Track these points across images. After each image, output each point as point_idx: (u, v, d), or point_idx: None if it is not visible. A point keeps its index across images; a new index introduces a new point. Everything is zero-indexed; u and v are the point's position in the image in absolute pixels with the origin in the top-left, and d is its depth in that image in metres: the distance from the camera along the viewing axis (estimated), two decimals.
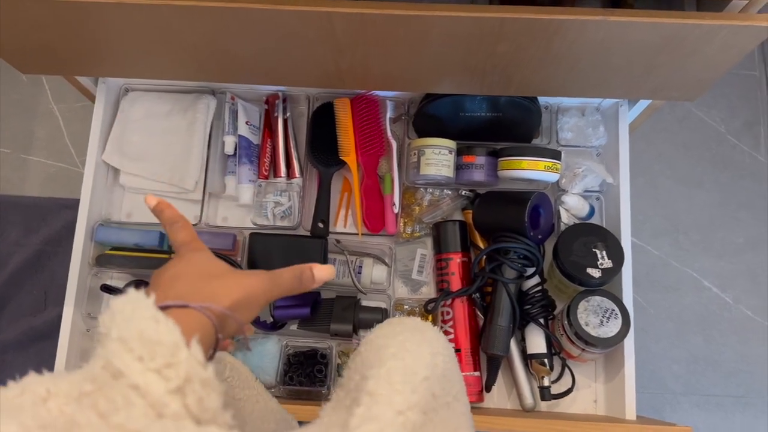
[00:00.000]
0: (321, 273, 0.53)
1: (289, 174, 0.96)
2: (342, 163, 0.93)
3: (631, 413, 0.84)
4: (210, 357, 0.44)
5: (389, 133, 0.94)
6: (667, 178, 1.20)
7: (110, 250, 0.91)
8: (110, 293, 0.91)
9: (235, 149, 0.95)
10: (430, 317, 0.90)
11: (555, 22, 0.59)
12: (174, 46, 0.70)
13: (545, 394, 0.86)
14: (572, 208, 0.91)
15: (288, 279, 0.51)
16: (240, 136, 0.95)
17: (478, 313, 0.89)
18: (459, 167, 0.92)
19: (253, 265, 0.88)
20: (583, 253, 0.84)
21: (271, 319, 0.88)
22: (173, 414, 0.32)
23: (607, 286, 0.85)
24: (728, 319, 1.13)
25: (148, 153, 0.95)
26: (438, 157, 0.90)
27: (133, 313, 0.36)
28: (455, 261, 0.89)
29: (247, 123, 0.96)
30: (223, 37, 0.66)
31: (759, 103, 1.24)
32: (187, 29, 0.66)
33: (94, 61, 0.77)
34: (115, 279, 0.94)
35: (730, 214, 1.17)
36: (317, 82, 0.79)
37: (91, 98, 0.98)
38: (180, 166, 0.94)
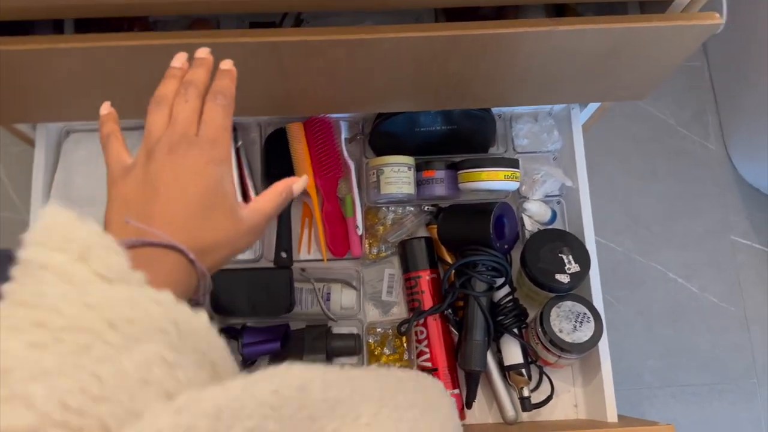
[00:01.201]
0: (299, 187, 0.49)
1: None
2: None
3: (612, 415, 0.85)
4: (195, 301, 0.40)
5: (346, 154, 0.94)
6: (623, 174, 1.23)
7: None
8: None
9: None
10: (404, 338, 0.89)
11: (506, 36, 0.60)
12: (117, 87, 0.68)
13: (526, 404, 0.87)
14: (535, 214, 0.93)
15: (270, 198, 0.46)
16: None
17: (452, 329, 0.90)
18: (419, 183, 0.92)
19: (217, 304, 0.86)
20: (550, 260, 0.85)
21: (240, 358, 0.86)
22: (82, 280, 0.31)
23: (576, 289, 0.86)
24: (696, 309, 1.16)
25: (93, 197, 0.92)
26: (397, 175, 0.90)
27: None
28: (424, 278, 0.89)
29: None
30: None
31: (704, 93, 1.28)
32: (132, 69, 0.64)
33: (29, 108, 0.75)
34: None
35: (688, 203, 1.21)
36: (266, 110, 0.79)
37: (30, 143, 0.95)
38: None
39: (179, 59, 0.48)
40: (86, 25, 0.70)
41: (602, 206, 1.21)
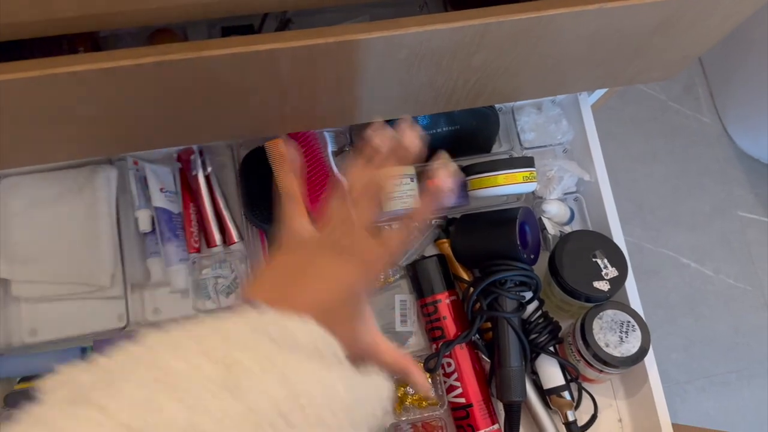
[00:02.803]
0: (418, 380, 0.47)
1: (226, 240, 0.83)
2: None
3: (667, 427, 0.78)
4: None
5: (336, 170, 0.83)
6: (623, 158, 1.18)
7: (20, 383, 0.74)
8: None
9: (153, 225, 0.81)
10: (429, 376, 0.80)
11: (544, 20, 0.51)
12: (62, 123, 0.56)
13: (573, 429, 0.79)
14: (555, 215, 0.85)
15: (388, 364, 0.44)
16: (156, 207, 0.80)
17: (482, 356, 0.81)
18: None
19: None
20: (584, 266, 0.77)
21: None
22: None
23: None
24: (713, 293, 1.12)
25: (41, 251, 0.79)
26: (400, 189, 0.80)
27: None
28: (444, 302, 0.80)
29: (161, 190, 0.82)
30: (134, 101, 0.52)
31: (693, 65, 1.24)
32: (83, 99, 0.52)
33: None
34: None
35: (692, 182, 1.17)
36: (251, 131, 0.67)
37: None
38: (87, 260, 0.78)
39: (381, 136, 0.47)
40: (11, 50, 0.57)
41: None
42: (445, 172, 0.46)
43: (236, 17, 0.60)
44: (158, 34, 0.57)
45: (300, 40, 0.47)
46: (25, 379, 0.75)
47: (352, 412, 0.33)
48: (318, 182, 0.82)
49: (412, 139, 0.47)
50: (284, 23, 0.59)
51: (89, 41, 0.56)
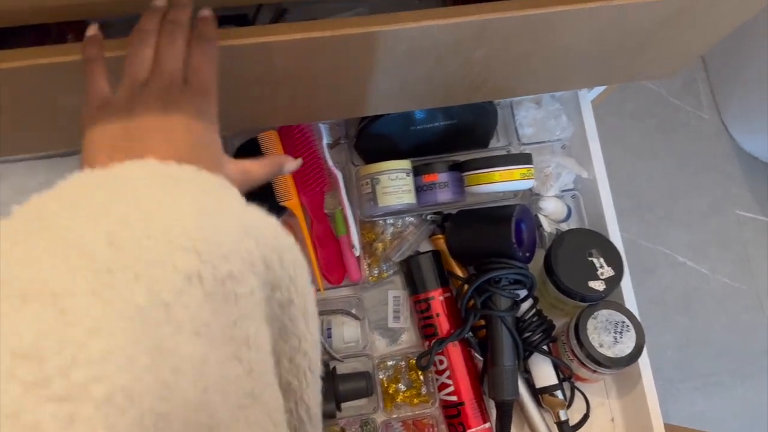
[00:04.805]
0: (291, 167, 0.51)
1: None
2: (282, 210, 0.81)
3: (659, 428, 0.79)
4: None
5: (331, 163, 0.83)
6: (621, 154, 1.18)
7: None
8: None
9: None
10: (421, 374, 0.80)
11: (547, 16, 0.51)
12: (47, 113, 0.55)
13: (564, 429, 0.80)
14: (552, 213, 0.85)
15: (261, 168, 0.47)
16: None
17: (475, 353, 0.81)
18: (420, 189, 0.83)
19: None
20: (579, 265, 0.77)
21: None
22: None
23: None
24: (708, 292, 1.13)
25: None
26: (396, 183, 0.80)
27: None
28: (437, 300, 0.80)
29: None
30: None
31: (695, 61, 1.24)
32: (66, 89, 0.51)
33: None
34: None
35: (690, 179, 1.17)
36: (244, 122, 0.67)
37: None
38: None
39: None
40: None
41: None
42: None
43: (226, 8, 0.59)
44: (149, 16, 0.56)
45: (294, 34, 0.46)
46: None
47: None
48: (312, 175, 0.82)
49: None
50: (280, 13, 0.59)
51: (78, 28, 0.55)
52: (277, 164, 0.49)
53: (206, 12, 0.46)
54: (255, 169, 0.47)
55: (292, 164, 0.51)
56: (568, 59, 0.62)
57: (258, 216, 0.34)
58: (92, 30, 0.44)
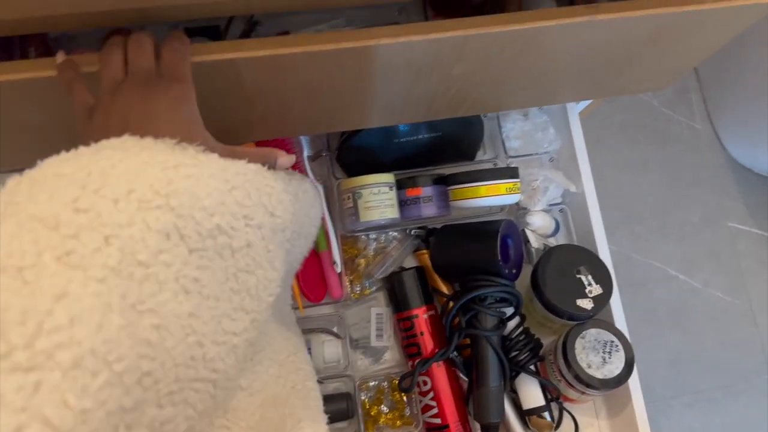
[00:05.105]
0: (284, 162, 0.47)
1: None
2: None
3: None
4: None
5: (311, 177, 0.80)
6: (612, 165, 1.16)
7: None
8: None
9: None
10: (404, 395, 0.78)
11: (530, 32, 0.49)
12: (13, 132, 0.53)
13: None
14: (539, 227, 0.83)
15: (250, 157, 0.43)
16: None
17: (460, 374, 0.79)
18: (403, 203, 0.80)
19: None
20: (567, 283, 0.75)
21: None
22: None
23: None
24: (701, 306, 1.11)
25: None
26: (378, 198, 0.77)
27: None
28: (421, 318, 0.78)
29: None
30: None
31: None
32: (27, 107, 0.49)
33: None
34: None
35: (681, 192, 1.15)
36: (218, 137, 0.64)
37: None
38: None
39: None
40: None
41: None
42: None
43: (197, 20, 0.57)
44: (114, 35, 0.53)
45: (262, 50, 0.44)
46: None
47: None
48: None
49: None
50: (251, 25, 0.56)
51: (41, 43, 0.53)
52: (271, 156, 0.46)
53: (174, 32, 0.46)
54: (245, 154, 0.44)
55: (286, 159, 0.48)
56: (552, 74, 0.60)
57: (242, 167, 0.34)
58: (60, 57, 0.44)
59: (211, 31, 0.56)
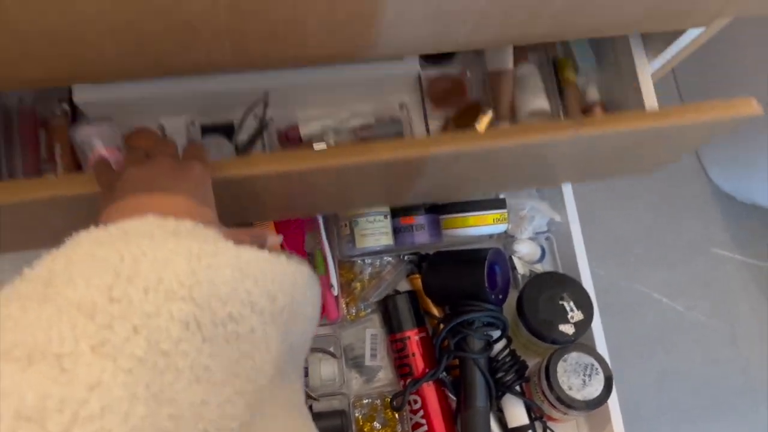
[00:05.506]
0: (273, 242, 0.51)
1: None
2: None
3: None
4: None
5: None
6: (598, 192, 1.21)
7: None
8: None
9: None
10: (396, 413, 0.82)
11: (517, 147, 0.53)
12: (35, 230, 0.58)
13: None
14: (526, 255, 0.88)
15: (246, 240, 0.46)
16: None
17: (448, 393, 0.83)
18: (397, 230, 0.85)
19: None
20: (550, 309, 0.80)
21: None
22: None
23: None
24: (685, 330, 1.15)
25: None
26: (373, 226, 0.82)
27: None
28: (413, 339, 0.82)
29: None
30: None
31: (672, 99, 1.28)
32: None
33: None
34: None
35: (667, 219, 1.20)
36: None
37: None
38: None
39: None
40: None
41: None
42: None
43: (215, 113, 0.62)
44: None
45: (272, 166, 0.51)
46: None
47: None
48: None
49: None
50: (263, 125, 0.61)
51: (65, 141, 0.60)
52: (262, 237, 0.50)
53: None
54: (243, 235, 0.47)
55: (275, 239, 0.52)
56: (526, 175, 0.65)
57: (253, 255, 0.36)
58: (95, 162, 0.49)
59: (225, 129, 0.62)
